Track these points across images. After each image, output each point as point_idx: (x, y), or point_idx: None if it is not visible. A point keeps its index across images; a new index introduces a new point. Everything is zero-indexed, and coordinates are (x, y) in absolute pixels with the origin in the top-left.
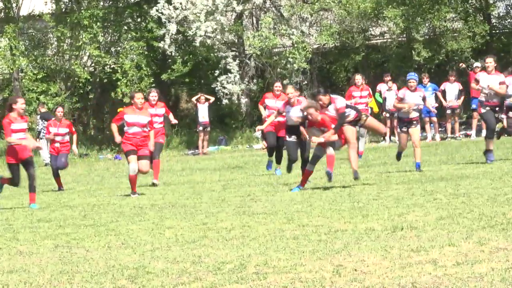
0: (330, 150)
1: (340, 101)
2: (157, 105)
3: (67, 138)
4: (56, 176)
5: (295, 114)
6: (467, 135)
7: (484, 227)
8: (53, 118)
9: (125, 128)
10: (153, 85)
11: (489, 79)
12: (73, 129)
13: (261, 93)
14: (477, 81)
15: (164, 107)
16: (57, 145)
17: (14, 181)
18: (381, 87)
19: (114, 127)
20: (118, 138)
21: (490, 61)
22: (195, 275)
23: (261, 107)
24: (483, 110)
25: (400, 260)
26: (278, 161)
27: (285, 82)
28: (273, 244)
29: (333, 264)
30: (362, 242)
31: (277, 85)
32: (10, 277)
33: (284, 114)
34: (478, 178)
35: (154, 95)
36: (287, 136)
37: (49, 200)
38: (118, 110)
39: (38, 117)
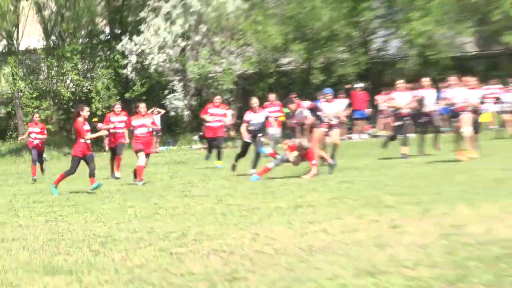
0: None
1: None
2: (120, 114)
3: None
4: (34, 164)
5: (257, 120)
6: (350, 138)
7: (362, 206)
8: (31, 122)
9: (134, 131)
10: (119, 100)
11: (403, 97)
12: (44, 132)
13: (200, 107)
14: (392, 99)
15: (126, 115)
16: (36, 142)
17: (71, 171)
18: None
19: (126, 132)
20: (127, 140)
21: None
22: (149, 241)
23: (205, 116)
24: (396, 122)
25: (300, 230)
26: (219, 158)
27: (217, 98)
28: (207, 218)
29: (251, 233)
30: (272, 217)
31: (218, 98)
32: (13, 243)
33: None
34: (361, 170)
35: (118, 106)
36: (247, 137)
37: (42, 187)
38: (93, 120)
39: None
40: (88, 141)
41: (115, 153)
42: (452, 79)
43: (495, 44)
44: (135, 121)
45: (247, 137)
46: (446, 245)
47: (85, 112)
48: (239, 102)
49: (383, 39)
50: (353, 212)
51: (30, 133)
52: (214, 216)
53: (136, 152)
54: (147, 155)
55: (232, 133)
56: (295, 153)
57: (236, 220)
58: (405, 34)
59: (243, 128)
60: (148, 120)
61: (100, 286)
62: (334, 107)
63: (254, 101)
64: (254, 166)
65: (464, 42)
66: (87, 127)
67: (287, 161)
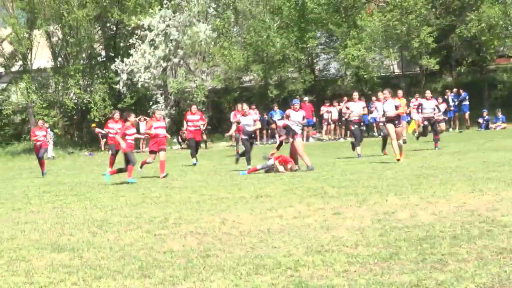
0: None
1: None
2: (118, 122)
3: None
4: (40, 164)
5: (246, 122)
6: None
7: (310, 196)
8: (35, 127)
9: (153, 132)
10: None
11: (357, 106)
12: (48, 132)
13: (179, 116)
14: (347, 108)
15: (122, 123)
16: (38, 144)
17: (131, 162)
18: (250, 112)
19: (149, 131)
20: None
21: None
22: (137, 224)
23: (185, 122)
24: (353, 127)
25: (260, 216)
26: (194, 155)
27: (193, 107)
28: (184, 206)
29: (220, 218)
30: (238, 205)
31: (194, 107)
32: (26, 226)
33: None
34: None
35: (117, 115)
36: (243, 136)
37: (50, 180)
38: (92, 125)
39: (49, 129)
40: (131, 141)
41: (113, 154)
42: (386, 92)
43: (414, 66)
44: (156, 123)
45: (234, 120)
46: (380, 229)
47: (132, 118)
48: (210, 112)
49: (325, 62)
50: (302, 201)
51: (39, 136)
52: (190, 204)
53: (150, 152)
54: (164, 150)
55: (205, 137)
56: (282, 167)
57: (208, 207)
58: (343, 57)
59: (234, 125)
60: (163, 123)
61: (97, 261)
62: (299, 115)
63: (245, 106)
64: (237, 160)
65: (390, 64)
66: (130, 131)
67: (272, 167)
